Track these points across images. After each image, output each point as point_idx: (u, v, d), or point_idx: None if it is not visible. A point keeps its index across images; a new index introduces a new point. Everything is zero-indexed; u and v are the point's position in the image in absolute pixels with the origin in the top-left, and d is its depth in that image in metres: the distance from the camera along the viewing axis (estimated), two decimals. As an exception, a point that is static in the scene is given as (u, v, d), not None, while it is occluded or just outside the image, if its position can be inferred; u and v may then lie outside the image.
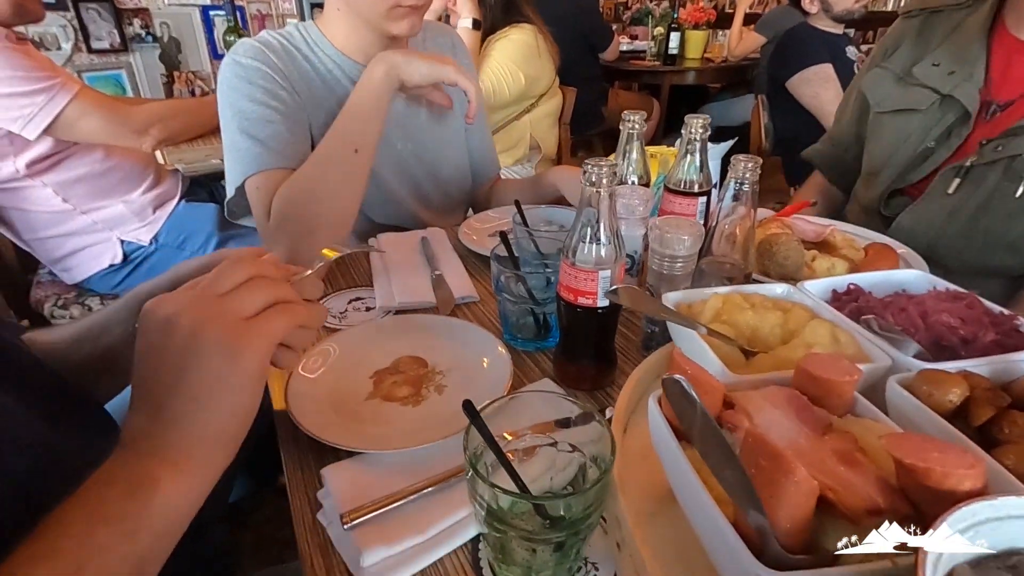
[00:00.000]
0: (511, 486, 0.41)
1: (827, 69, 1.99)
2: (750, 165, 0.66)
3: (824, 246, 0.92)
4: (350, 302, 0.83)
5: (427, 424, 0.57)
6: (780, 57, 2.13)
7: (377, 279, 0.86)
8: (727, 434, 0.39)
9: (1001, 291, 1.00)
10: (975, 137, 0.96)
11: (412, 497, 0.48)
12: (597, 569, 0.45)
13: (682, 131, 0.78)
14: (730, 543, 0.32)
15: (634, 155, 0.81)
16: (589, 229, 0.57)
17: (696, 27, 3.83)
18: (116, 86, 2.50)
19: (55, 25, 2.36)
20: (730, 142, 1.18)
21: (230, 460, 0.40)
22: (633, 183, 0.81)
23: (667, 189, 0.81)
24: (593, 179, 0.55)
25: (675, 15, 3.66)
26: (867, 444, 0.38)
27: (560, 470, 0.46)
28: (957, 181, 0.96)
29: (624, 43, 3.96)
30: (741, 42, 3.62)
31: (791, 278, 0.76)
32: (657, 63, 3.66)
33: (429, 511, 0.47)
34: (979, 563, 0.31)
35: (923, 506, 0.33)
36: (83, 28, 2.42)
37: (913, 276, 0.64)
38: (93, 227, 1.50)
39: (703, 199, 0.79)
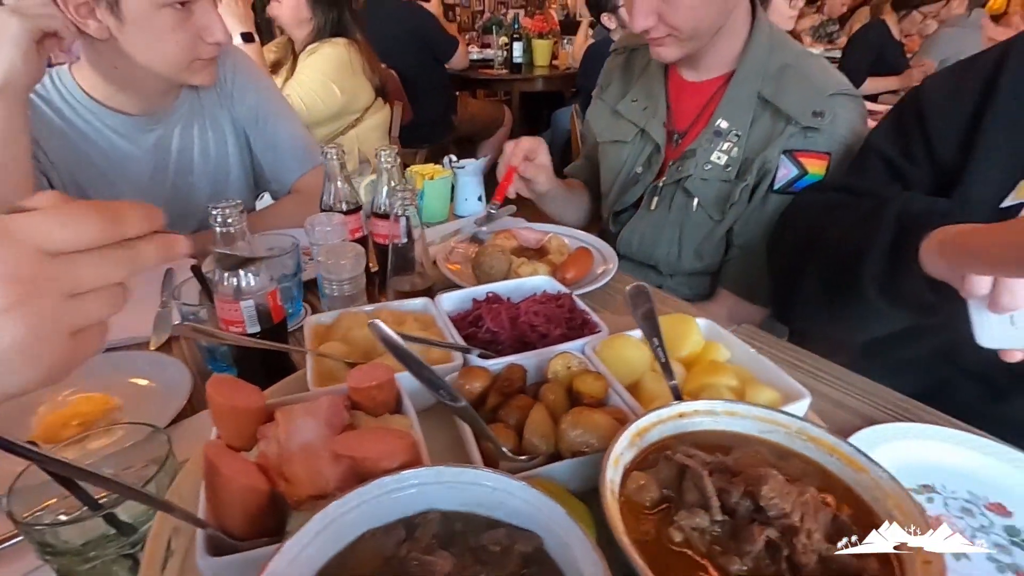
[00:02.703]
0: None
1: (621, 81, 2.20)
2: (407, 195, 0.75)
3: (540, 252, 1.04)
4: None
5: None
6: (585, 70, 2.32)
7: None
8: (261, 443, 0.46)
9: (707, 289, 1.17)
10: (667, 161, 1.12)
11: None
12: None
13: (375, 159, 0.85)
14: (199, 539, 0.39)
15: (339, 184, 0.87)
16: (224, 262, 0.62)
17: (541, 36, 4.04)
18: None
19: None
20: (484, 159, 1.29)
21: None
22: (341, 211, 0.87)
23: (373, 214, 0.88)
24: (219, 220, 0.60)
25: (516, 25, 3.83)
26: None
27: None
28: (655, 199, 1.12)
29: (475, 52, 4.09)
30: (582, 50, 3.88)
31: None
32: (504, 71, 3.82)
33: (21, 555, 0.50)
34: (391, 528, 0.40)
35: (373, 486, 0.42)
36: None
37: (543, 281, 0.75)
38: None
39: (404, 221, 0.87)
